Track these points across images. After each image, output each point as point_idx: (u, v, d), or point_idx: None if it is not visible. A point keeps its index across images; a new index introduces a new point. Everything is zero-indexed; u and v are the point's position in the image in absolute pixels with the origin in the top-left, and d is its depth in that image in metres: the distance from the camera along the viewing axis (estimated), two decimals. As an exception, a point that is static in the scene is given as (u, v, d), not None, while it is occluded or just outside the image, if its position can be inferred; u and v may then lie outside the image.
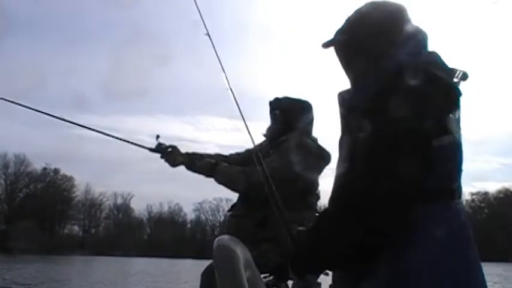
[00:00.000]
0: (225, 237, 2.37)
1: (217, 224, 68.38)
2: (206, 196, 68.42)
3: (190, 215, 70.42)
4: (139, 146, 2.89)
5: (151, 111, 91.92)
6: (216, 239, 2.33)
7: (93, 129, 2.99)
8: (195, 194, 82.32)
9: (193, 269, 28.20)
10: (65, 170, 64.02)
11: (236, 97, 2.71)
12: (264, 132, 3.00)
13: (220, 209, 66.90)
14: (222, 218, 67.14)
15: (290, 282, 2.73)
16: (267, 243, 2.67)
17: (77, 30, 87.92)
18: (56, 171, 63.80)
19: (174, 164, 2.91)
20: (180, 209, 69.96)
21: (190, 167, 2.92)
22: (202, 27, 2.83)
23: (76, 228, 67.22)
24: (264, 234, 2.67)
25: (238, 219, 2.80)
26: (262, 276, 2.47)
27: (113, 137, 2.93)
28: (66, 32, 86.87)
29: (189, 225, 71.52)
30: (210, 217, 69.42)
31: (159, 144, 2.88)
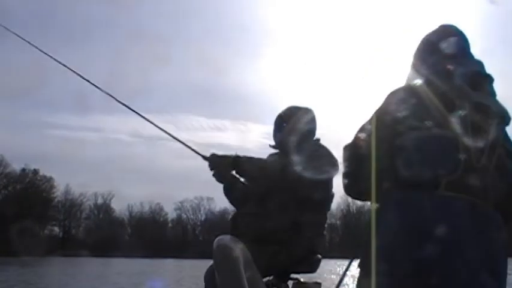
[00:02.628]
0: (225, 237, 2.35)
1: (199, 223, 68.21)
2: (187, 195, 68.23)
3: (172, 214, 70.06)
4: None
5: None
6: (216, 239, 2.32)
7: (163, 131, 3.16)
8: (176, 193, 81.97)
9: (174, 269, 27.96)
10: (44, 171, 63.19)
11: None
12: (273, 144, 2.95)
13: (201, 208, 66.83)
14: (204, 216, 67.10)
15: (290, 283, 2.72)
16: (278, 246, 2.64)
17: (64, 31, 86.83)
18: (35, 171, 62.85)
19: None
20: (161, 209, 69.56)
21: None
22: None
23: (56, 229, 66.40)
24: (278, 236, 2.64)
25: (254, 219, 2.73)
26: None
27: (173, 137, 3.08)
28: (58, 32, 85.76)
29: (170, 225, 71.17)
30: (191, 216, 69.17)
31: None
